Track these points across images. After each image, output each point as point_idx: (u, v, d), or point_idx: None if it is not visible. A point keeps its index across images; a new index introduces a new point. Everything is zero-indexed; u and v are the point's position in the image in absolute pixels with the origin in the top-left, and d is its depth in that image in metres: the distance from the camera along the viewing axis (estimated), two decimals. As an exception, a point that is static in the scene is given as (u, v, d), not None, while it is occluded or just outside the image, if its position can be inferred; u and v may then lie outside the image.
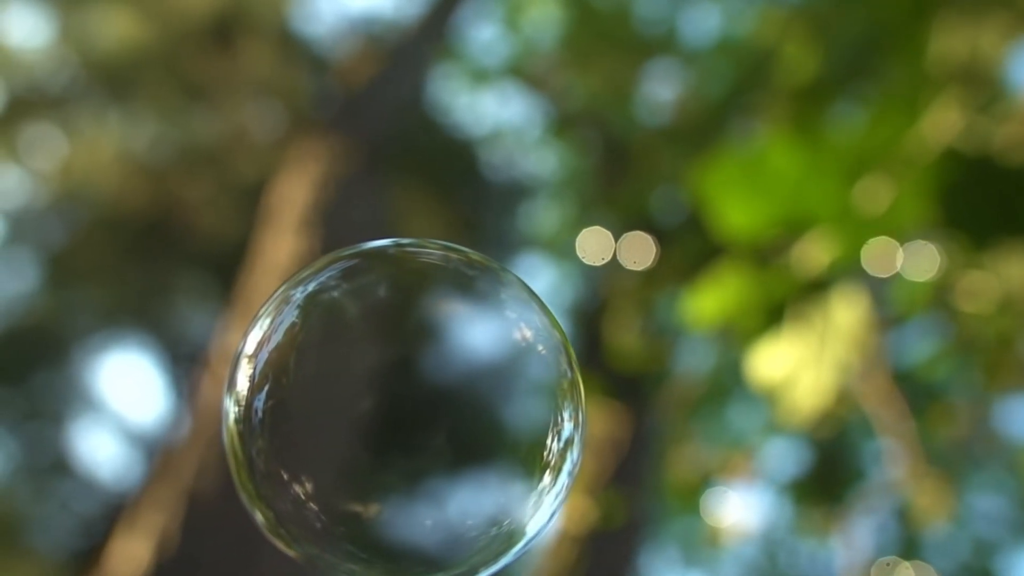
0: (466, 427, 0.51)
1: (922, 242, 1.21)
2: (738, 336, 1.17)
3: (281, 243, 3.25)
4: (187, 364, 6.32)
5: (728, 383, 3.26)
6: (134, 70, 6.04)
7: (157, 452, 4.87)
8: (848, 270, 1.07)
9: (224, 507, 2.62)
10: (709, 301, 1.12)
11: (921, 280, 1.32)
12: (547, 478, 0.51)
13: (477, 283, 0.52)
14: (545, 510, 0.51)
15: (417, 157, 5.25)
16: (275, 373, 0.49)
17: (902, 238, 1.05)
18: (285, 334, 0.49)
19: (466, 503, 0.51)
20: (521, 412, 0.52)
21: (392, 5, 6.64)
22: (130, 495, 4.56)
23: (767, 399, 1.16)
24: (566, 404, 0.51)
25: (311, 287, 0.51)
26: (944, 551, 5.41)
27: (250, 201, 4.82)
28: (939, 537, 5.31)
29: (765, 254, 1.13)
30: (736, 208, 1.05)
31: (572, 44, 5.22)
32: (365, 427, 0.50)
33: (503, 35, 5.68)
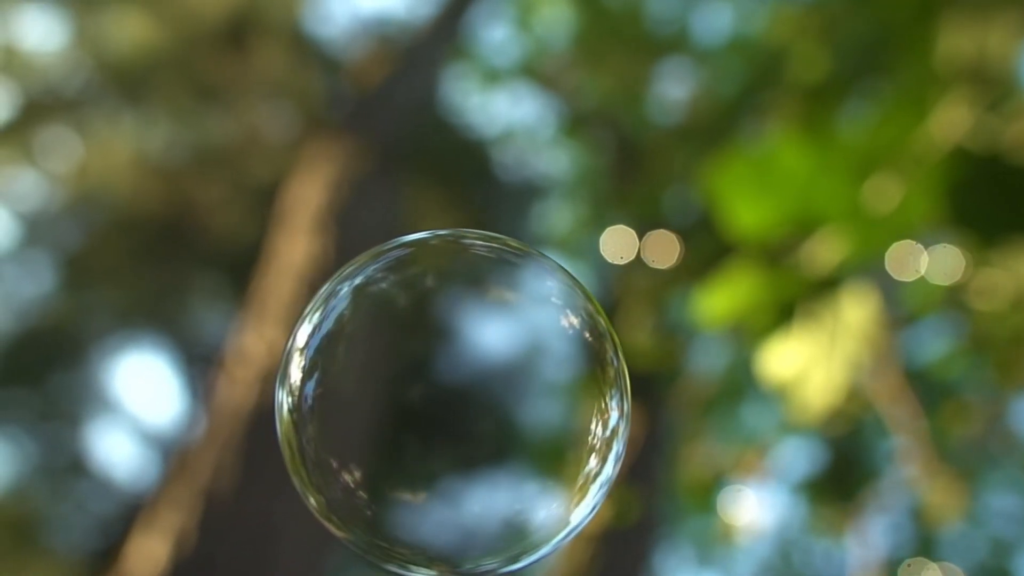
0: (511, 416, 0.52)
1: (940, 245, 1.21)
2: (749, 334, 1.18)
3: (295, 244, 3.27)
4: (202, 365, 6.35)
5: (742, 382, 3.25)
6: (148, 72, 6.07)
7: (173, 452, 4.90)
8: (858, 268, 1.08)
9: (240, 506, 2.64)
10: (720, 300, 1.13)
11: (937, 282, 1.32)
12: (593, 462, 0.51)
13: (521, 270, 0.53)
14: (591, 497, 0.51)
15: (430, 157, 5.27)
16: (324, 362, 0.50)
17: (912, 237, 1.05)
18: (334, 325, 0.51)
19: (514, 490, 0.52)
20: (568, 400, 0.52)
21: (404, 6, 6.65)
22: (146, 495, 4.59)
23: (779, 397, 1.17)
24: (612, 392, 0.52)
25: (357, 280, 0.52)
26: (961, 550, 5.38)
27: (264, 202, 4.84)
28: (955, 536, 5.28)
29: (776, 253, 1.13)
30: (746, 207, 1.06)
31: (584, 43, 5.22)
32: (415, 415, 0.51)
33: (515, 35, 5.68)
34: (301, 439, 0.50)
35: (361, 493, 0.50)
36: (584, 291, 0.53)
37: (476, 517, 0.52)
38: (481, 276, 0.53)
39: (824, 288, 1.07)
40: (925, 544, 5.02)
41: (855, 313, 1.06)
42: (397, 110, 3.95)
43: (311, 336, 0.51)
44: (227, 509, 2.62)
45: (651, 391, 2.98)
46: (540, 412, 0.53)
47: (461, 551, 0.51)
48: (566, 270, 0.53)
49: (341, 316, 0.51)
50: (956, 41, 1.04)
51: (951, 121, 0.99)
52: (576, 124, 5.44)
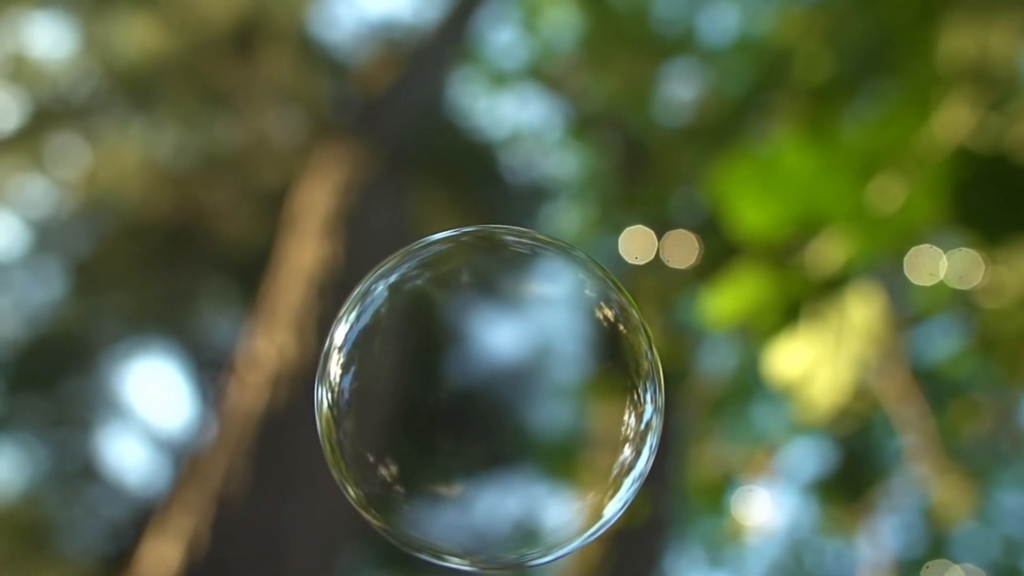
0: (547, 406, 0.52)
1: (956, 249, 1.21)
2: (756, 334, 1.18)
3: (304, 248, 3.28)
4: (213, 370, 6.37)
5: (750, 382, 3.25)
6: (156, 79, 6.09)
7: (185, 457, 4.91)
8: (864, 268, 1.08)
9: (252, 510, 2.65)
10: (727, 300, 1.13)
11: (949, 284, 1.32)
12: (627, 452, 0.52)
13: (554, 263, 0.53)
14: (624, 491, 0.52)
15: (437, 160, 5.28)
16: (361, 358, 0.52)
17: (916, 237, 1.06)
18: (370, 321, 0.52)
19: (547, 482, 0.52)
20: (601, 390, 0.53)
21: (411, 9, 6.67)
22: (158, 500, 4.61)
23: (786, 397, 1.18)
24: (647, 385, 0.52)
25: (392, 278, 0.53)
26: (973, 550, 5.36)
27: (273, 207, 4.86)
28: (967, 535, 5.27)
29: (781, 253, 1.14)
30: (751, 208, 1.06)
31: (590, 45, 5.23)
32: (450, 409, 0.51)
33: (522, 38, 5.69)
34: (339, 433, 0.51)
35: (397, 487, 0.50)
36: (617, 284, 0.53)
37: (509, 509, 0.52)
38: (516, 270, 0.53)
39: (829, 288, 1.08)
40: (936, 544, 5.01)
41: (860, 312, 1.06)
42: (404, 113, 3.97)
43: (348, 333, 0.52)
44: (238, 513, 2.63)
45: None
46: (573, 406, 0.53)
47: (493, 543, 0.51)
48: (598, 263, 0.53)
49: (377, 312, 0.52)
50: (958, 42, 1.05)
51: (954, 121, 1.00)
52: (583, 126, 5.44)
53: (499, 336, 0.53)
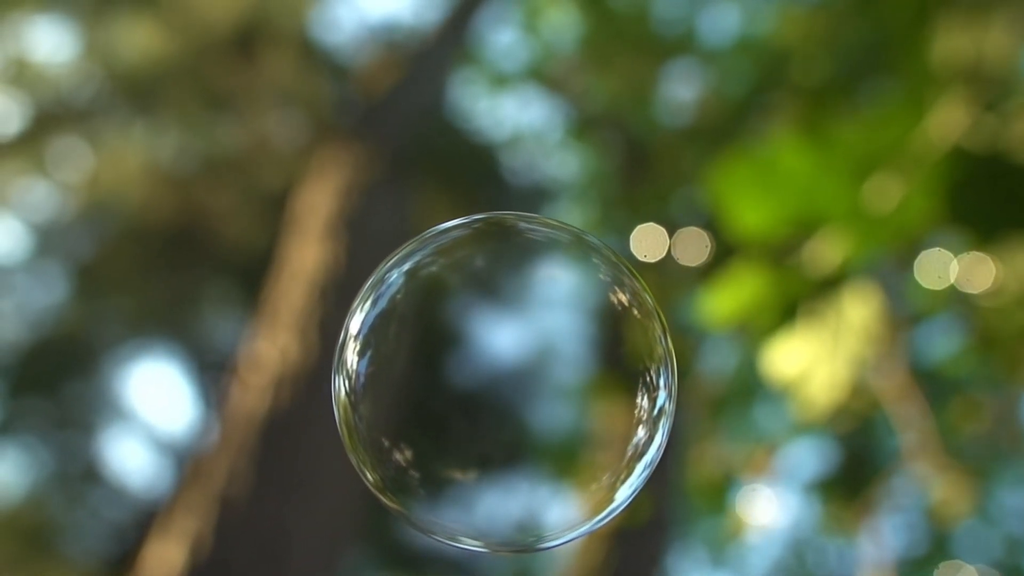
0: (560, 388, 0.53)
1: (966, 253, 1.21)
2: (754, 333, 1.19)
3: (306, 250, 3.29)
4: (215, 372, 6.38)
5: (752, 381, 3.26)
6: (158, 82, 6.10)
7: (188, 459, 4.92)
8: (861, 267, 1.09)
9: (255, 511, 2.66)
10: (725, 299, 1.14)
11: (956, 287, 1.32)
12: (641, 433, 0.52)
13: (566, 248, 0.53)
14: (636, 475, 0.52)
15: (439, 162, 5.28)
16: (377, 343, 0.52)
17: (913, 236, 1.07)
18: (385, 307, 0.52)
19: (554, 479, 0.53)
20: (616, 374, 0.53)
21: (412, 12, 6.68)
22: (160, 502, 4.62)
23: (786, 395, 1.18)
24: (660, 370, 0.52)
25: (406, 266, 0.53)
26: (975, 549, 5.36)
27: (274, 209, 4.87)
28: (970, 535, 5.27)
29: (779, 252, 1.15)
30: (749, 208, 1.07)
31: (591, 46, 5.23)
32: (463, 396, 0.52)
33: (522, 39, 5.70)
34: (355, 417, 0.52)
35: (412, 471, 0.51)
36: (631, 269, 0.53)
37: (518, 494, 0.53)
38: (529, 256, 0.54)
39: (827, 287, 1.08)
40: (939, 543, 5.01)
41: (858, 311, 1.07)
42: (405, 115, 3.97)
43: (363, 320, 0.52)
44: (241, 514, 2.64)
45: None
46: (580, 404, 0.54)
47: (507, 526, 0.52)
48: (611, 249, 0.54)
49: (392, 298, 0.52)
50: (954, 42, 1.06)
51: (950, 121, 1.01)
52: (584, 127, 5.45)
53: (508, 333, 0.54)
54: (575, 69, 5.45)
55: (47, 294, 6.68)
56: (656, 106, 4.89)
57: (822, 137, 1.01)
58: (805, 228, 1.09)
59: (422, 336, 0.52)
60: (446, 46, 4.41)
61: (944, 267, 1.24)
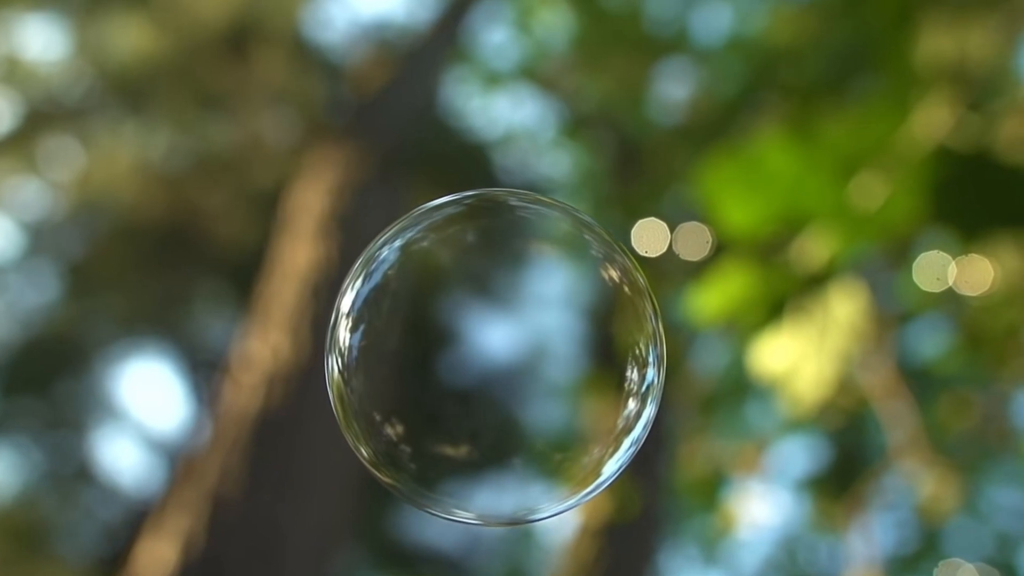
0: (555, 361, 0.53)
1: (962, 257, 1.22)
2: (742, 330, 1.20)
3: (298, 249, 3.29)
4: (207, 371, 6.38)
5: (743, 379, 3.27)
6: (150, 81, 6.09)
7: (180, 457, 4.91)
8: (847, 265, 1.10)
9: (247, 510, 2.66)
10: (713, 297, 1.15)
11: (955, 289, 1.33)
12: (631, 405, 0.52)
13: (558, 224, 0.54)
14: (623, 450, 0.52)
15: (431, 161, 5.28)
16: (370, 317, 0.52)
17: (897, 234, 1.08)
18: (378, 282, 0.53)
19: (549, 438, 0.53)
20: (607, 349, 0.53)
21: (404, 10, 6.68)
22: (153, 501, 4.61)
23: (774, 392, 1.19)
24: (650, 346, 0.52)
25: (397, 242, 0.53)
26: (966, 546, 5.39)
27: (267, 208, 4.86)
28: (961, 531, 5.29)
29: (766, 250, 1.16)
30: (736, 206, 1.08)
31: (584, 45, 5.24)
32: (455, 370, 0.52)
33: (515, 38, 5.70)
34: (348, 390, 0.52)
35: (404, 446, 0.51)
36: (623, 248, 0.54)
37: (509, 466, 0.53)
38: (521, 231, 0.54)
39: (813, 284, 1.09)
40: (930, 540, 5.03)
41: (844, 308, 1.08)
42: (398, 114, 3.97)
43: (355, 298, 0.53)
44: (234, 512, 2.64)
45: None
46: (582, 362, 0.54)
47: (498, 498, 0.52)
48: (604, 227, 0.54)
49: (384, 273, 0.53)
50: (937, 43, 1.07)
51: (934, 120, 1.02)
52: (576, 126, 5.45)
53: (500, 318, 0.54)
54: (567, 68, 5.45)
55: (38, 293, 6.67)
56: (648, 105, 4.90)
57: (808, 136, 1.02)
58: (792, 226, 1.10)
59: (414, 311, 0.53)
60: (439, 45, 4.41)
61: (942, 269, 1.25)
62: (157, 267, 6.36)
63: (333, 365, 0.53)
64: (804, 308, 1.11)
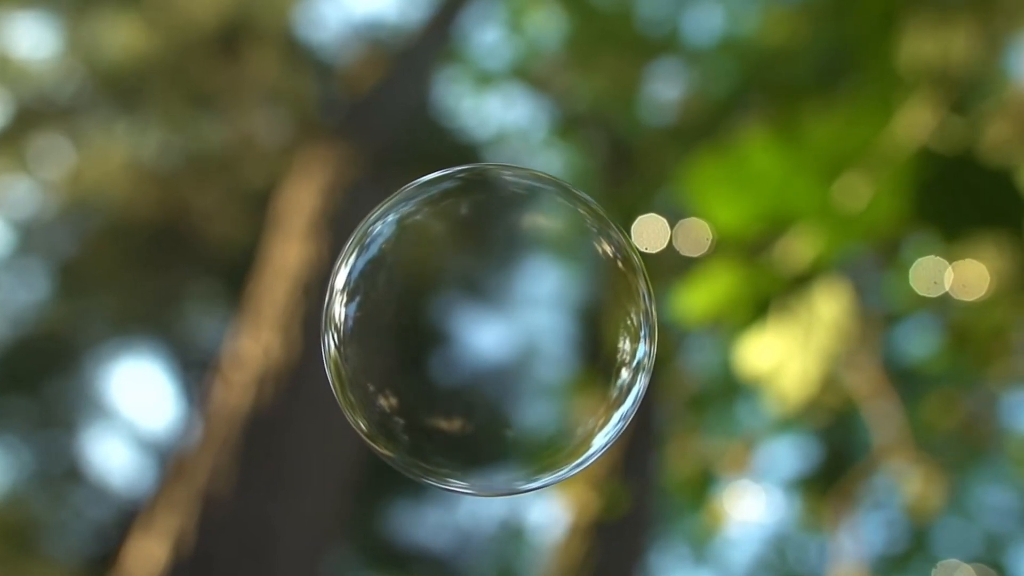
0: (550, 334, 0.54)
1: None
2: (728, 329, 1.21)
3: (290, 248, 3.29)
4: (198, 370, 6.37)
5: (733, 378, 3.28)
6: (141, 79, 6.08)
7: (171, 456, 4.91)
8: (832, 264, 1.11)
9: (238, 508, 2.66)
10: (699, 296, 1.16)
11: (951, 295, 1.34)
12: (624, 375, 0.52)
13: (552, 198, 0.54)
14: (612, 424, 0.52)
15: (423, 161, 5.28)
16: (366, 288, 0.53)
17: (881, 234, 1.09)
18: (374, 255, 0.53)
19: (543, 414, 0.54)
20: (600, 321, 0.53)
21: (396, 10, 6.68)
22: (143, 501, 4.60)
23: (759, 390, 1.20)
24: (642, 322, 0.52)
25: (390, 217, 0.54)
26: (955, 545, 5.41)
27: (258, 207, 4.86)
28: (949, 531, 5.32)
29: (751, 250, 1.17)
30: (722, 205, 1.09)
31: (576, 45, 5.24)
32: (449, 341, 0.53)
33: (507, 38, 5.70)
34: (344, 361, 0.52)
35: (398, 418, 0.51)
36: (619, 227, 0.54)
37: (506, 434, 0.53)
38: (517, 205, 0.54)
39: (798, 283, 1.11)
40: (919, 539, 5.06)
41: (829, 307, 1.09)
42: (390, 114, 3.97)
43: (349, 272, 0.53)
44: (224, 511, 2.64)
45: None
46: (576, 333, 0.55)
47: (492, 466, 0.53)
48: (600, 206, 0.54)
49: (380, 247, 0.53)
50: (920, 45, 1.08)
51: (917, 122, 1.03)
52: (568, 126, 5.46)
53: (502, 268, 0.55)
54: (559, 68, 5.46)
55: (29, 292, 6.65)
56: (640, 105, 4.91)
57: (794, 136, 1.03)
58: (777, 225, 1.11)
59: (408, 284, 0.53)
60: (431, 45, 4.41)
61: (939, 273, 1.26)
62: (148, 266, 6.35)
63: (329, 342, 0.53)
64: (789, 307, 1.12)
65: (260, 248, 3.57)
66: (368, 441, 0.52)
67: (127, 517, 5.10)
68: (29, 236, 6.65)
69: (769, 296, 1.12)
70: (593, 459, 0.53)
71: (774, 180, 1.05)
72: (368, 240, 0.53)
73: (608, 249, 0.53)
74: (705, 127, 3.90)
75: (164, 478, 3.29)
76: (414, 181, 0.55)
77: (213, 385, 3.18)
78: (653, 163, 4.23)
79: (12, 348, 6.53)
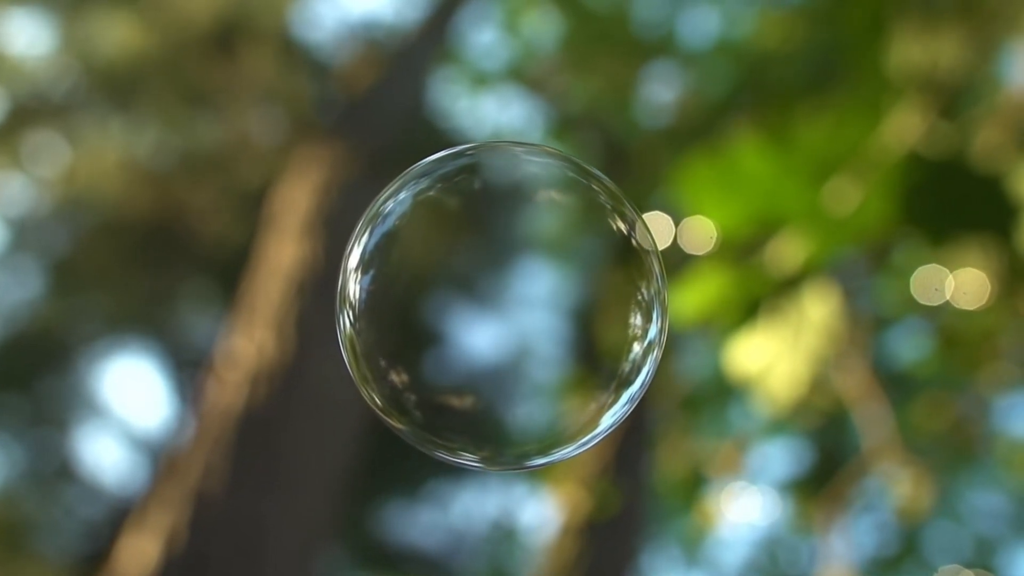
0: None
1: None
2: (718, 330, 1.22)
3: (284, 248, 3.29)
4: (191, 368, 6.36)
5: (725, 380, 3.29)
6: (137, 77, 6.08)
7: (163, 454, 4.90)
8: (821, 267, 1.12)
9: (230, 506, 2.66)
10: (690, 297, 1.17)
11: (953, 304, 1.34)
12: (636, 349, 0.52)
13: (566, 172, 0.54)
14: (621, 404, 0.53)
15: (418, 160, 5.28)
16: (380, 262, 0.53)
17: (870, 237, 1.10)
18: (382, 236, 0.53)
19: (554, 390, 0.54)
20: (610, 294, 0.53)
21: (393, 10, 6.68)
22: (135, 499, 4.60)
23: (749, 391, 1.21)
24: (655, 302, 0.53)
25: (402, 195, 0.54)
26: (945, 548, 5.43)
27: (253, 206, 4.86)
28: (940, 534, 5.33)
29: (742, 251, 1.17)
30: (713, 207, 1.10)
31: (571, 47, 5.25)
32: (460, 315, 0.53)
33: (503, 39, 5.71)
34: (358, 336, 0.53)
35: (410, 393, 0.52)
36: (633, 207, 0.54)
37: (516, 410, 0.53)
38: (533, 181, 0.54)
39: (788, 285, 1.11)
40: (909, 542, 5.07)
41: (818, 309, 1.10)
42: (386, 114, 3.98)
43: (362, 250, 0.53)
44: (217, 509, 2.64)
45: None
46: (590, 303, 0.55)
47: (502, 441, 0.53)
48: (610, 181, 0.54)
49: (393, 222, 0.54)
50: (909, 51, 1.09)
51: (905, 127, 1.04)
52: (564, 127, 5.47)
53: (514, 244, 0.55)
54: (555, 69, 5.47)
55: (22, 289, 6.64)
56: (636, 107, 4.92)
57: (784, 140, 1.04)
58: (767, 228, 1.12)
59: (421, 261, 0.54)
60: (427, 45, 4.42)
61: (940, 281, 1.26)
62: (142, 264, 6.34)
63: (344, 320, 0.53)
64: (779, 309, 1.13)
65: (254, 247, 3.57)
66: (381, 415, 0.52)
67: (119, 515, 5.10)
68: (23, 233, 6.64)
69: (759, 298, 1.13)
70: (600, 438, 0.53)
71: (764, 183, 1.06)
72: (380, 217, 0.54)
73: (622, 226, 0.53)
74: (700, 129, 3.91)
75: (157, 476, 3.29)
76: (424, 159, 0.55)
77: (206, 384, 3.18)
78: (648, 165, 4.24)
79: (5, 345, 6.52)
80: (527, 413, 0.54)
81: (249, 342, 3.00)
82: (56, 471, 6.65)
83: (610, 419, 0.53)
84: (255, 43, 6.07)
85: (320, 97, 6.02)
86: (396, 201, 0.54)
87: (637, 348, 0.52)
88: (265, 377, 2.89)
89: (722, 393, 3.51)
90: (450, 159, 0.54)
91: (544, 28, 5.47)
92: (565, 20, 5.30)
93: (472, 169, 0.54)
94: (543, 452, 0.53)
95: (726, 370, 1.29)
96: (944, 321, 1.79)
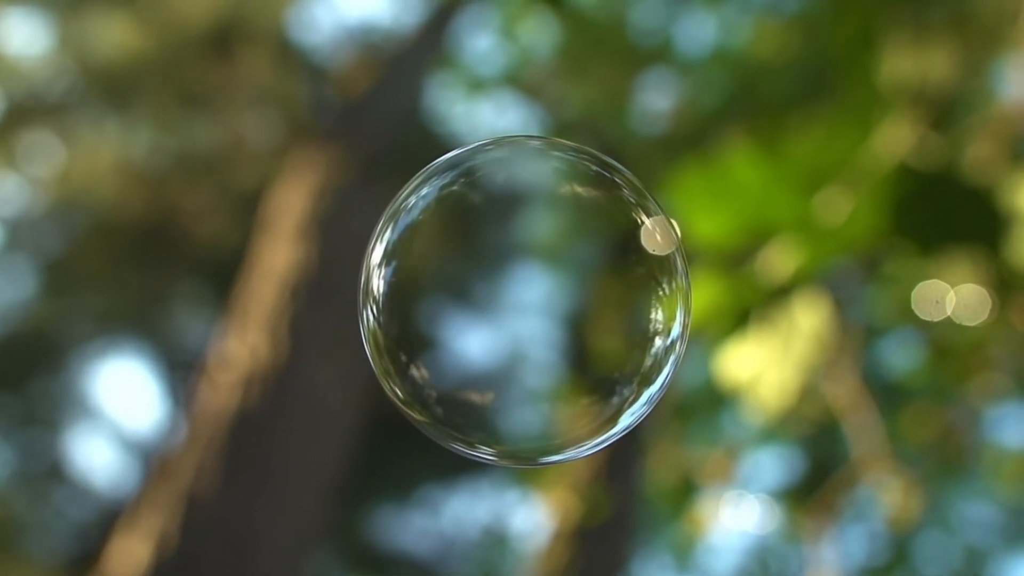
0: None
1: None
2: (709, 339, 1.23)
3: (278, 251, 3.29)
4: (184, 370, 6.35)
5: (718, 388, 3.30)
6: (132, 78, 6.08)
7: (155, 456, 4.90)
8: (811, 276, 1.13)
9: (222, 509, 2.66)
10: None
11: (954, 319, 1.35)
12: (658, 344, 0.53)
13: (588, 168, 0.54)
14: (640, 403, 0.53)
15: (414, 166, 5.28)
16: (401, 257, 0.53)
17: (860, 248, 1.11)
18: (403, 231, 0.54)
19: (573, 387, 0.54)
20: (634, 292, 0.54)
21: (390, 15, 6.69)
22: (126, 501, 4.59)
23: (739, 399, 1.22)
24: (679, 301, 0.52)
25: (423, 190, 0.54)
26: (935, 558, 5.44)
27: (248, 209, 4.86)
28: (931, 544, 5.34)
29: (733, 261, 1.18)
30: (704, 217, 1.11)
31: (568, 54, 5.26)
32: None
33: (499, 45, 5.72)
34: (382, 333, 0.53)
35: (430, 391, 0.52)
36: (657, 201, 0.54)
37: (534, 405, 0.54)
38: (557, 175, 0.55)
39: (778, 295, 1.12)
40: (899, 551, 5.08)
41: (808, 319, 1.11)
42: (382, 118, 3.98)
43: (385, 246, 0.53)
44: (208, 511, 2.64)
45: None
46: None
47: (519, 437, 0.53)
48: (633, 175, 0.55)
49: (415, 217, 0.54)
50: (899, 64, 1.10)
51: (896, 139, 1.05)
52: (559, 133, 5.47)
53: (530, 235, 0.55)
54: (552, 76, 5.48)
55: (15, 289, 6.63)
56: (631, 115, 4.93)
57: (775, 150, 1.05)
58: (758, 237, 1.13)
59: (444, 250, 0.54)
60: (424, 50, 4.43)
61: (942, 296, 1.27)
62: (136, 265, 6.34)
63: (368, 315, 0.53)
64: (769, 318, 1.14)
65: (249, 249, 3.57)
66: (403, 408, 0.53)
67: (110, 517, 5.08)
68: (16, 233, 6.63)
69: (750, 306, 1.14)
70: (616, 437, 0.53)
71: (756, 192, 1.06)
72: (403, 212, 0.54)
73: (646, 220, 0.53)
74: (695, 137, 3.93)
75: (148, 478, 3.28)
76: (446, 155, 0.55)
77: (199, 386, 3.17)
78: (643, 172, 4.24)
79: (-3, 345, 6.51)
80: (546, 410, 0.54)
81: (242, 345, 3.00)
82: (47, 472, 6.64)
83: (628, 418, 0.53)
84: (251, 45, 6.08)
85: (316, 100, 6.03)
86: (418, 196, 0.54)
87: (659, 346, 0.53)
88: (258, 380, 2.89)
89: (713, 401, 3.51)
90: (473, 154, 0.55)
91: (541, 34, 5.48)
92: (562, 27, 5.31)
93: (489, 165, 0.55)
94: (560, 449, 0.53)
95: (717, 378, 1.30)
96: (935, 332, 1.81)
